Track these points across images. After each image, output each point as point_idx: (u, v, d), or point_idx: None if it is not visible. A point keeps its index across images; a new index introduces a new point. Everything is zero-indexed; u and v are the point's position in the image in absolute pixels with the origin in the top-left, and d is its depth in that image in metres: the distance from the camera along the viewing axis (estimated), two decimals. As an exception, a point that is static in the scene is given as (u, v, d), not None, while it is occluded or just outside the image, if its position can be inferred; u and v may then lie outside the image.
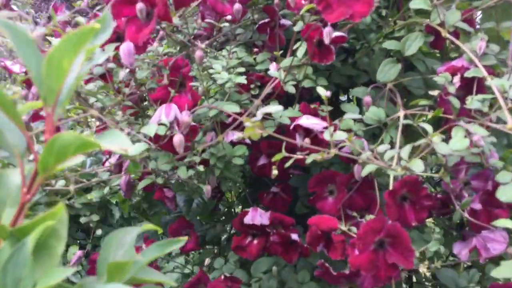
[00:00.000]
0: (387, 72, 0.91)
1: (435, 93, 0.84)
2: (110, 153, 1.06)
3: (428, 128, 0.75)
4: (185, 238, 0.44)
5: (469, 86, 0.83)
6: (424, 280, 1.20)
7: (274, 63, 0.92)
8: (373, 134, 0.97)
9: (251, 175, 1.17)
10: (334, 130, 0.75)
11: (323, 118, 0.84)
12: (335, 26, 0.87)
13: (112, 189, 1.27)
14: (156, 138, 0.78)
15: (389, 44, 0.91)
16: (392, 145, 0.83)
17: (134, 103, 0.89)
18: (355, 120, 0.88)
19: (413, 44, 0.90)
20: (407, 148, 0.76)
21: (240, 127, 0.86)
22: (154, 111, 0.83)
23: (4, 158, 0.56)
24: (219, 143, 0.88)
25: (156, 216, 1.40)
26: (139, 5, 0.75)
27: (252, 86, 0.95)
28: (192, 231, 1.18)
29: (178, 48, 0.98)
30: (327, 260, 0.88)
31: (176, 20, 0.86)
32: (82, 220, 0.98)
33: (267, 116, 0.88)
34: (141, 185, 0.88)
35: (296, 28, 0.88)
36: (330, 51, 0.85)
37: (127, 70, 0.80)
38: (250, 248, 0.97)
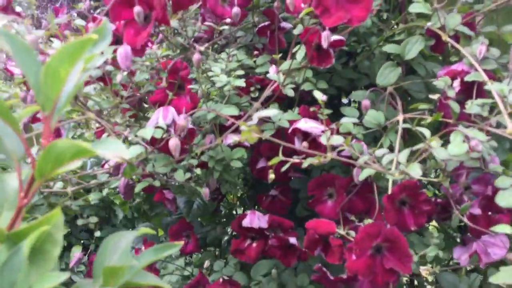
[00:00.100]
0: (387, 75, 0.90)
1: (435, 97, 0.84)
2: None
3: (426, 132, 0.75)
4: (181, 243, 0.44)
5: (469, 90, 0.83)
6: (426, 284, 1.19)
7: (274, 66, 0.91)
8: (374, 138, 0.97)
9: (252, 177, 1.17)
10: (333, 133, 0.75)
11: (323, 122, 0.84)
12: (335, 30, 0.87)
13: (114, 190, 1.28)
14: (153, 141, 0.78)
15: (389, 48, 0.91)
16: (392, 149, 0.83)
17: (132, 106, 0.89)
18: (355, 123, 0.88)
19: (414, 47, 0.89)
20: (405, 152, 0.75)
21: (239, 130, 0.86)
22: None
23: (2, 162, 0.57)
24: (217, 146, 0.87)
25: (157, 217, 1.40)
26: (137, 8, 0.75)
27: (252, 89, 0.95)
28: (192, 233, 1.18)
29: (178, 51, 0.98)
30: (326, 264, 0.87)
31: (174, 23, 0.86)
32: (79, 222, 0.98)
33: (267, 119, 0.88)
34: (139, 187, 0.88)
35: (296, 32, 0.88)
36: (329, 54, 0.85)
37: (125, 73, 0.80)
38: (249, 251, 0.97)
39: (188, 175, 0.84)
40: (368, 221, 0.81)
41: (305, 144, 0.78)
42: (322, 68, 0.88)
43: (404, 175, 0.74)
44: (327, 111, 0.76)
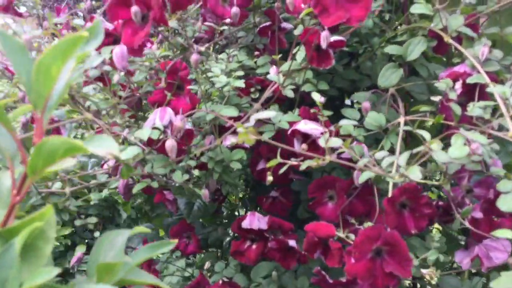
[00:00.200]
0: (389, 77, 0.89)
1: (437, 98, 0.83)
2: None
3: (426, 135, 0.74)
4: (176, 241, 0.44)
5: (471, 92, 0.82)
6: (429, 287, 1.18)
7: (274, 67, 0.91)
8: (376, 140, 0.96)
9: (253, 178, 1.16)
10: (331, 135, 0.74)
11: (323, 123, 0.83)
12: (336, 30, 0.86)
13: (116, 189, 1.27)
14: (150, 142, 0.78)
15: (391, 49, 0.90)
16: (393, 151, 0.82)
17: (130, 107, 0.89)
18: (356, 125, 0.87)
19: (416, 49, 0.88)
20: (405, 155, 0.74)
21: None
22: (153, 114, 0.82)
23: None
24: (217, 147, 0.87)
25: (159, 218, 1.40)
26: (134, 8, 0.74)
27: (252, 89, 0.94)
28: (193, 234, 1.18)
29: (178, 51, 0.97)
30: (325, 267, 0.87)
31: (173, 23, 0.86)
32: (77, 222, 0.98)
33: (267, 121, 0.87)
34: (136, 188, 0.87)
35: (296, 32, 0.87)
36: (329, 55, 0.84)
37: (122, 73, 0.79)
38: (249, 253, 0.96)
39: (186, 176, 0.84)
40: (368, 224, 0.80)
41: (304, 146, 0.77)
42: (322, 69, 0.88)
43: (404, 178, 0.74)
44: (327, 113, 0.76)
